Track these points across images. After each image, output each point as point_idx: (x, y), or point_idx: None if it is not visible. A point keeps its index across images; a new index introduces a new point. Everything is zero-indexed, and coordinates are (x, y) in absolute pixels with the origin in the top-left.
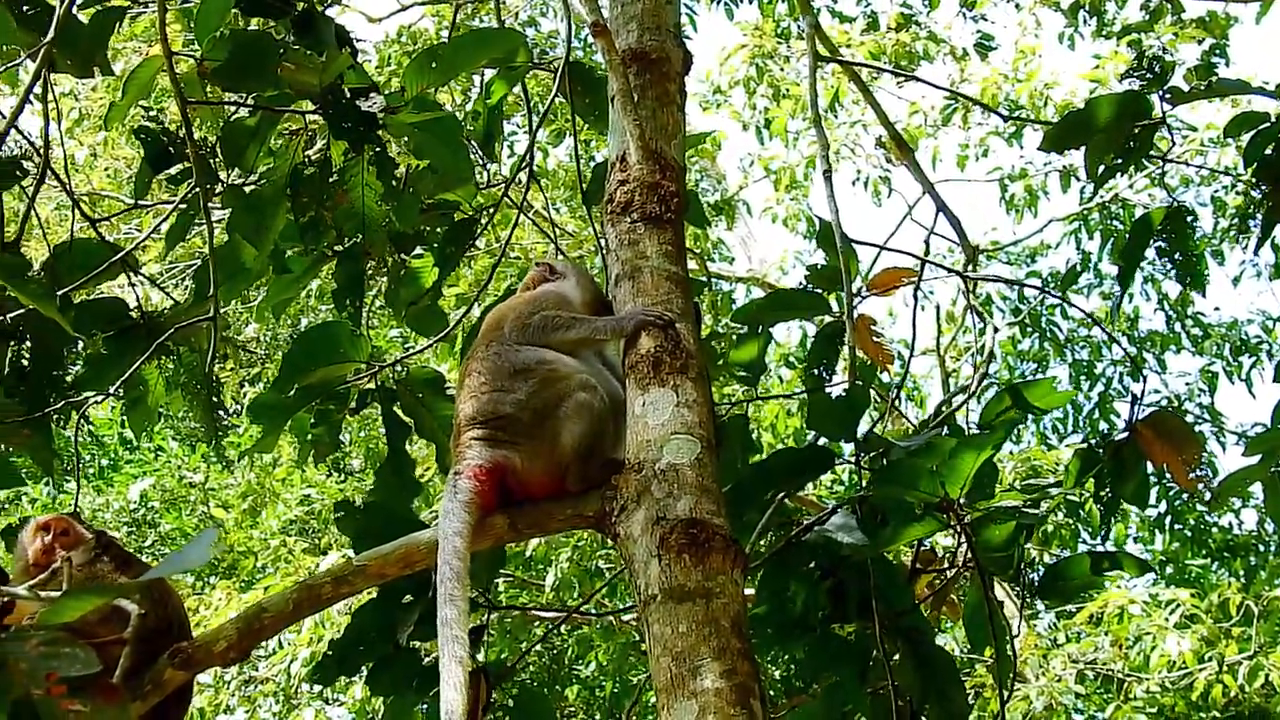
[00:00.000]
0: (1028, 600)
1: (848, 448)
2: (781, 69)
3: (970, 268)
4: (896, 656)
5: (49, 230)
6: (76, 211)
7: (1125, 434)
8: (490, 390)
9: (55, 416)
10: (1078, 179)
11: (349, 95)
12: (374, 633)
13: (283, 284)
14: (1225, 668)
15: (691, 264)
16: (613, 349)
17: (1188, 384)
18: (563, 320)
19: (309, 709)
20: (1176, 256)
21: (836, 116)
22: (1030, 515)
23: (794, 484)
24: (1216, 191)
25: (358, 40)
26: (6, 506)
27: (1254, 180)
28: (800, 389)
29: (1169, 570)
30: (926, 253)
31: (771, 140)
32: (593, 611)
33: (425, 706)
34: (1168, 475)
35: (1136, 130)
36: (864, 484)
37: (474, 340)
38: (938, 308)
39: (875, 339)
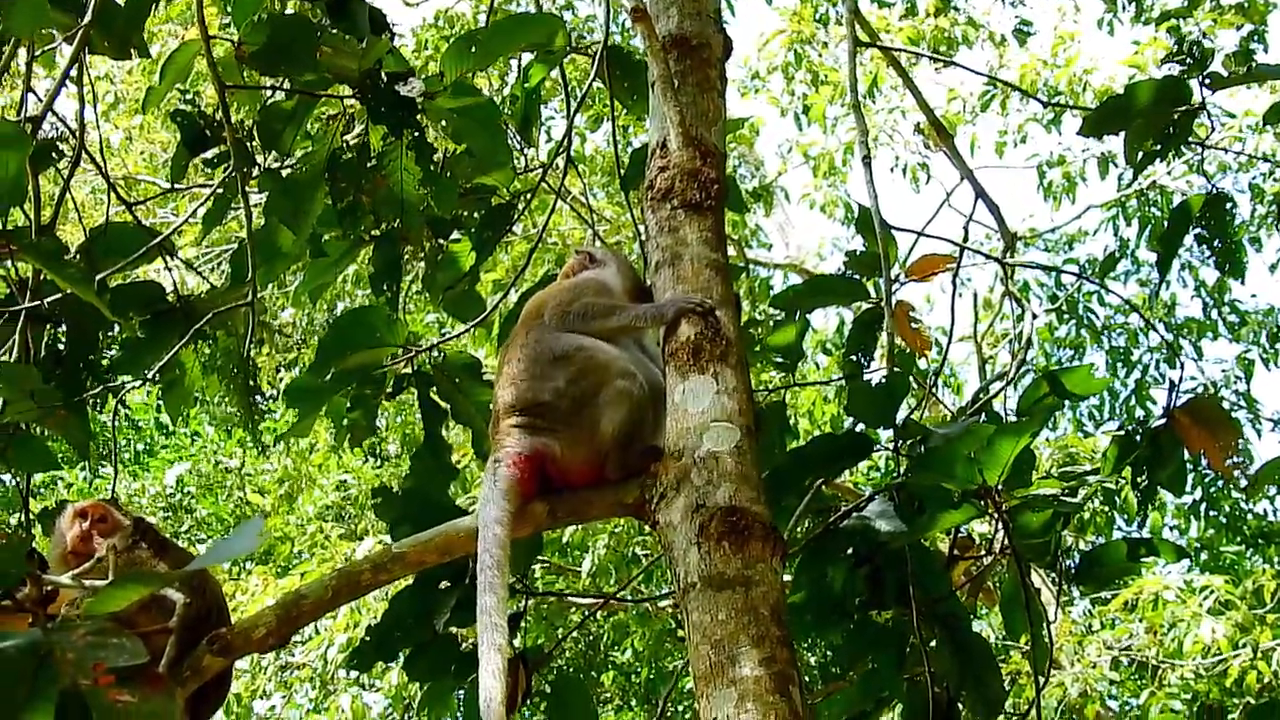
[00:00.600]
0: (1064, 587)
1: (886, 434)
2: (820, 54)
3: (1008, 254)
4: (933, 643)
5: (84, 214)
6: (112, 195)
7: (1162, 421)
8: (529, 378)
9: (91, 401)
10: (1116, 165)
11: (387, 80)
12: (411, 619)
13: (320, 268)
14: (1259, 654)
15: (729, 250)
16: (652, 336)
17: (1224, 371)
18: (603, 308)
19: (345, 695)
20: (1215, 244)
21: (875, 102)
22: (1068, 503)
23: (832, 470)
24: (1254, 178)
25: (393, 24)
26: (42, 490)
27: None
28: (838, 375)
29: (1204, 557)
30: (965, 239)
31: (810, 126)
32: (629, 598)
33: (462, 692)
34: (1204, 462)
35: (1176, 116)
36: (902, 471)
37: (512, 326)
38: (975, 294)
39: (913, 325)
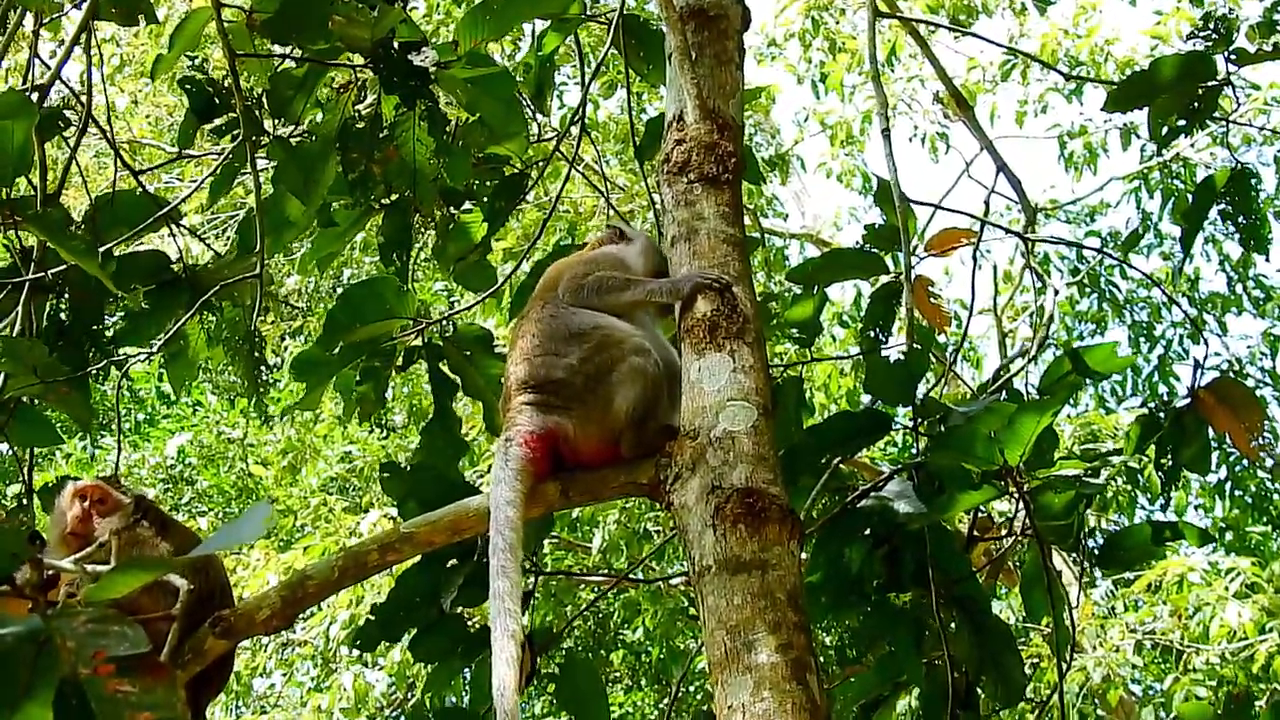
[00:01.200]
0: (1086, 569)
1: (904, 412)
2: (837, 21)
3: (1029, 228)
4: (952, 626)
5: (89, 178)
6: (118, 161)
7: (1186, 400)
8: (542, 354)
9: (94, 373)
10: (1138, 136)
11: (400, 50)
12: (418, 598)
13: (328, 237)
14: None
15: (745, 220)
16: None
17: (1249, 347)
18: (617, 282)
19: (348, 673)
20: (1240, 219)
21: (894, 71)
22: (1090, 484)
23: (850, 449)
24: (1279, 151)
25: None
26: (40, 461)
27: None
28: (855, 349)
29: (1229, 538)
30: (986, 212)
31: (827, 95)
32: (640, 577)
33: (468, 672)
34: (1229, 441)
35: (1200, 91)
36: (921, 449)
37: (526, 297)
38: (995, 267)
39: (933, 300)
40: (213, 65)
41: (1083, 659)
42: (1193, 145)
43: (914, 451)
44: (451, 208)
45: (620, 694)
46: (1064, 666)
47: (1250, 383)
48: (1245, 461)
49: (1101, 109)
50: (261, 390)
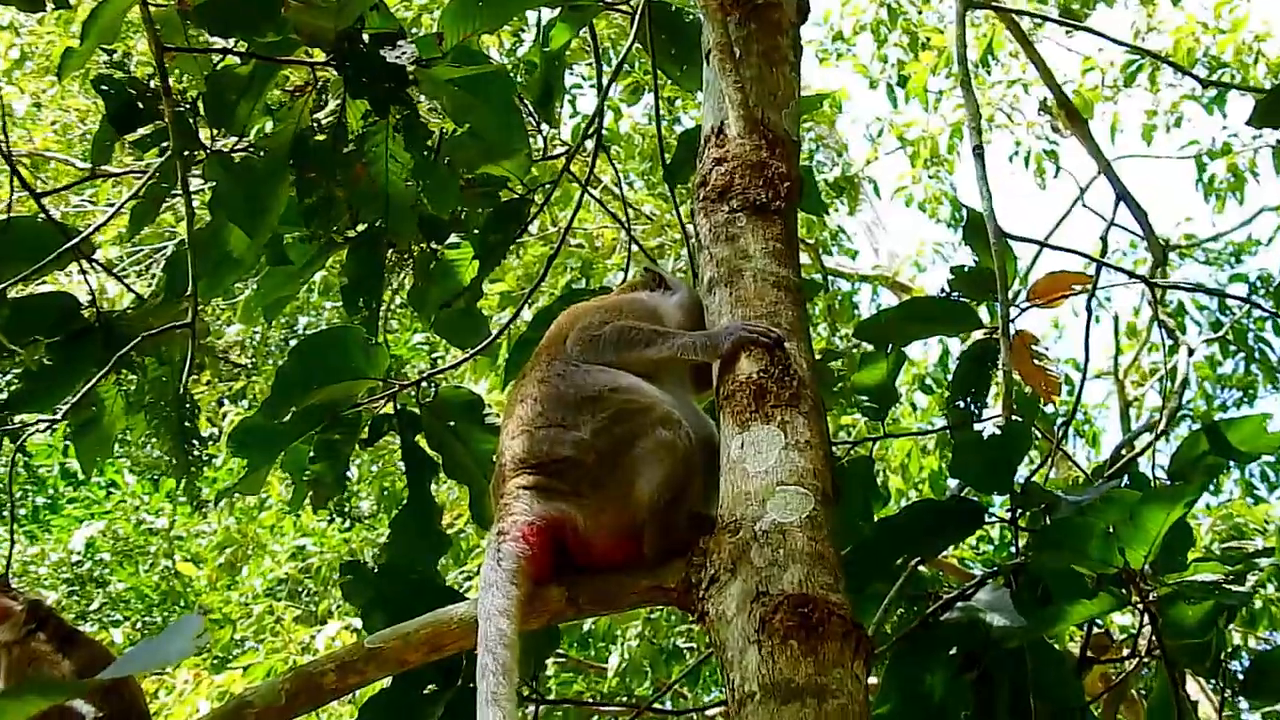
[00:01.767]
0: (1228, 698)
1: (1000, 501)
2: (920, 11)
3: (1158, 271)
4: None
5: None
6: (14, 180)
7: None
8: (546, 424)
9: None
10: None
11: (370, 43)
12: None
13: (279, 278)
14: None
15: (804, 259)
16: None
17: None
18: (641, 334)
19: None
20: None
21: (990, 74)
22: (1233, 592)
23: (932, 546)
24: None
25: None
26: None
27: None
28: (940, 423)
29: None
30: (1103, 252)
31: (908, 103)
32: (668, 706)
33: None
34: None
35: None
36: (1021, 548)
37: (528, 353)
38: (1116, 320)
39: (1037, 361)
40: (136, 61)
41: None
42: None
43: (1012, 550)
44: (434, 242)
45: None
46: None
47: None
48: None
49: (1247, 122)
50: (193, 469)
